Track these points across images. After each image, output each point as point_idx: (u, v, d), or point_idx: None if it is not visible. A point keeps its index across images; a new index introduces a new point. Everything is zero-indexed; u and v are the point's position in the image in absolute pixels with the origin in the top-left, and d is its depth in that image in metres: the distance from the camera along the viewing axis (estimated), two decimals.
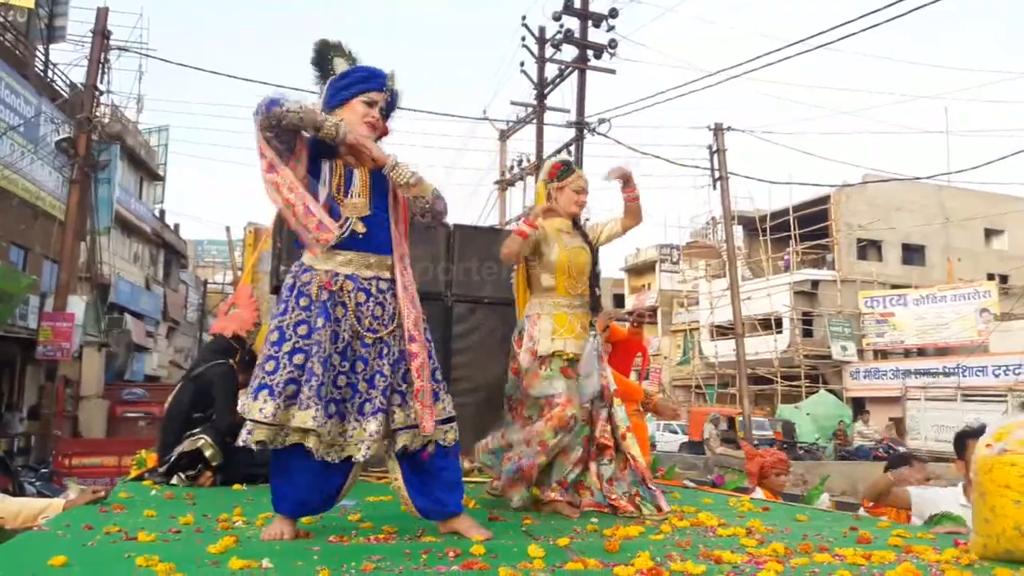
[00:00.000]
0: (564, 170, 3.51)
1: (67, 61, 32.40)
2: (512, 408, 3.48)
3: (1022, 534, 2.32)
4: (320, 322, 2.57)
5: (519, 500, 3.33)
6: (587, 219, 3.71)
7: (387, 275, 2.75)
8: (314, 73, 2.83)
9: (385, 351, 2.69)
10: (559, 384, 3.32)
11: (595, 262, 3.57)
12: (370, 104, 2.76)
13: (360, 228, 2.71)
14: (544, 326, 3.36)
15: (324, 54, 2.81)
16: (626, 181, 3.46)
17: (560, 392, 3.30)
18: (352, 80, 2.76)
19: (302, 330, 2.57)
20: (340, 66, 2.80)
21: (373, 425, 2.60)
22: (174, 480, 4.09)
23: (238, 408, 2.65)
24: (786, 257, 27.76)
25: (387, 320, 2.71)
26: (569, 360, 3.36)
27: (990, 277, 26.04)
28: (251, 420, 2.51)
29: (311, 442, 2.52)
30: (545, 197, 3.54)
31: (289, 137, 2.60)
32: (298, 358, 2.55)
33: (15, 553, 2.29)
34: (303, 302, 2.61)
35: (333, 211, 2.68)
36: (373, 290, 2.70)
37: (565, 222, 3.51)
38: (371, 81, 2.77)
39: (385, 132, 2.84)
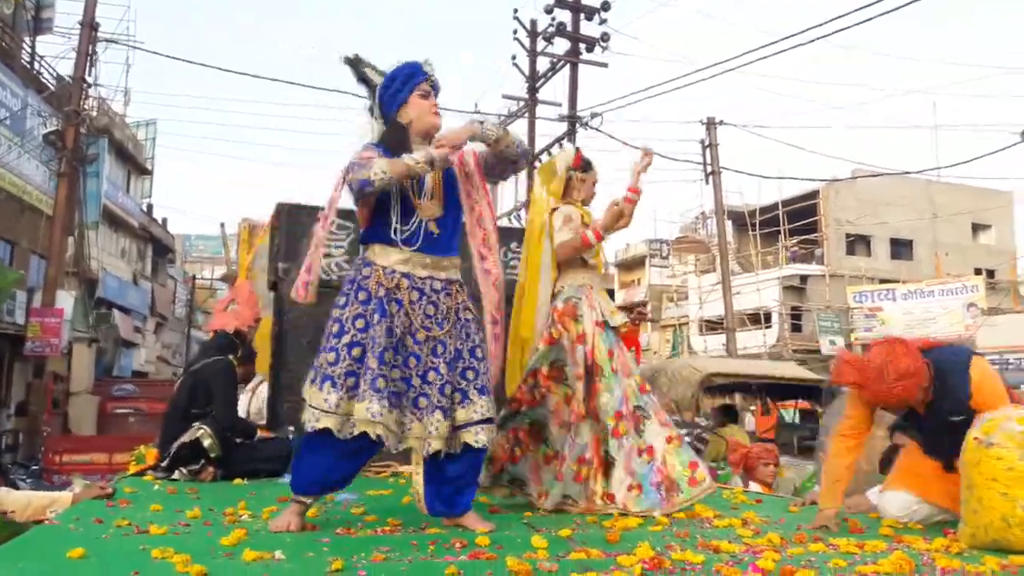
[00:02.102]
0: (586, 164, 3.63)
1: (54, 53, 32.25)
2: (539, 380, 3.34)
3: (1009, 525, 2.40)
4: (376, 318, 2.69)
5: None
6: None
7: (442, 276, 2.86)
8: (364, 90, 2.98)
9: (440, 350, 2.78)
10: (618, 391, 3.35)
11: None
12: (425, 95, 2.90)
13: (435, 230, 2.85)
14: (599, 299, 3.47)
15: (359, 69, 2.95)
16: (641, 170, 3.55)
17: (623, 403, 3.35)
18: (401, 82, 2.88)
19: (360, 324, 2.69)
20: (373, 75, 2.94)
21: (433, 424, 2.71)
22: (176, 475, 4.12)
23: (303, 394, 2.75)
24: (793, 250, 27.82)
25: (440, 319, 2.81)
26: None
27: (977, 272, 26.27)
28: (317, 408, 2.63)
29: (379, 430, 2.61)
30: (564, 181, 3.59)
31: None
32: (356, 351, 2.67)
33: (32, 545, 2.34)
34: (362, 296, 2.73)
35: (408, 212, 2.81)
36: (427, 289, 2.81)
37: (588, 212, 3.63)
38: (416, 76, 2.89)
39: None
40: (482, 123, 2.89)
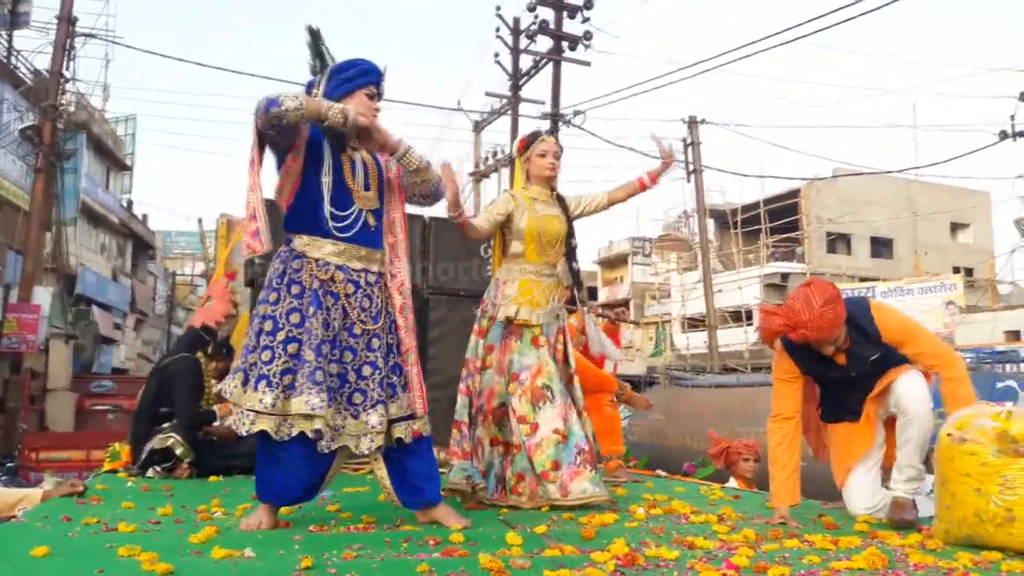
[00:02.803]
0: (529, 140, 3.53)
1: (31, 48, 31.84)
2: (467, 371, 3.39)
3: (982, 520, 2.41)
4: (312, 310, 2.60)
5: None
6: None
7: (375, 268, 2.79)
8: (311, 61, 2.82)
9: (376, 343, 2.72)
10: (531, 356, 3.33)
11: (571, 234, 3.55)
12: (372, 97, 2.81)
13: (372, 221, 2.78)
14: (508, 291, 3.39)
15: (318, 41, 2.81)
16: (661, 169, 3.54)
17: (532, 364, 3.31)
18: (356, 72, 2.78)
19: (295, 318, 2.60)
20: (327, 55, 2.82)
21: (374, 418, 2.65)
22: (150, 472, 4.08)
23: (223, 394, 2.65)
24: (774, 251, 27.92)
25: (375, 313, 2.74)
26: (537, 328, 3.37)
27: (956, 270, 26.53)
28: (251, 410, 2.53)
29: (319, 424, 2.52)
30: (521, 174, 3.55)
31: (290, 133, 2.61)
32: (292, 347, 2.57)
33: None
34: (295, 290, 2.63)
35: (344, 201, 2.72)
36: (362, 282, 2.74)
37: (542, 191, 3.51)
38: (372, 75, 2.81)
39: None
40: (411, 147, 2.80)
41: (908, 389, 2.92)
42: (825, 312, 2.82)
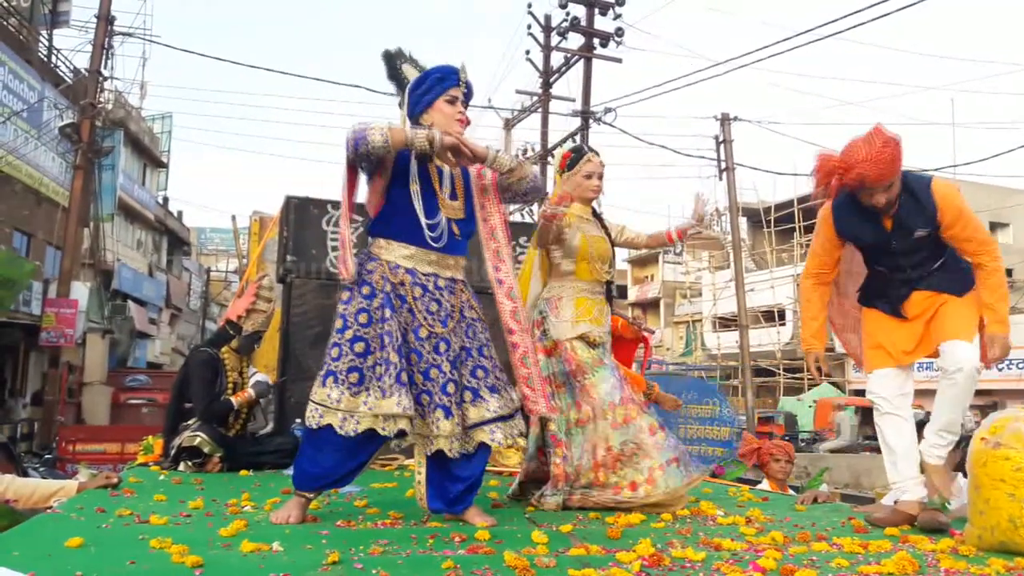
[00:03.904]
0: (574, 158, 3.47)
1: (71, 47, 32.50)
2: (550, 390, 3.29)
3: (1016, 526, 2.36)
4: (387, 312, 2.66)
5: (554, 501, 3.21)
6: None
7: (448, 274, 2.83)
8: (393, 86, 2.93)
9: (443, 347, 2.74)
10: (612, 380, 3.28)
11: (614, 255, 3.56)
12: (452, 101, 2.84)
13: (456, 230, 2.83)
14: (565, 311, 3.34)
15: (393, 65, 2.89)
16: (693, 225, 3.53)
17: (619, 389, 3.27)
18: (430, 84, 2.83)
19: (363, 319, 2.66)
20: (409, 72, 2.88)
21: (436, 421, 2.68)
22: (181, 467, 4.15)
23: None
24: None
25: (443, 317, 2.77)
26: (599, 345, 3.35)
27: None
28: (320, 404, 2.61)
29: (403, 424, 2.59)
30: (561, 188, 3.52)
31: (379, 158, 2.71)
32: (359, 346, 2.63)
33: (32, 534, 2.34)
34: (366, 291, 2.70)
35: (433, 211, 2.77)
36: (430, 286, 2.77)
37: (584, 209, 3.49)
38: (448, 80, 2.84)
39: (468, 122, 2.92)
40: (498, 151, 2.85)
41: (958, 349, 2.83)
42: (884, 150, 2.73)
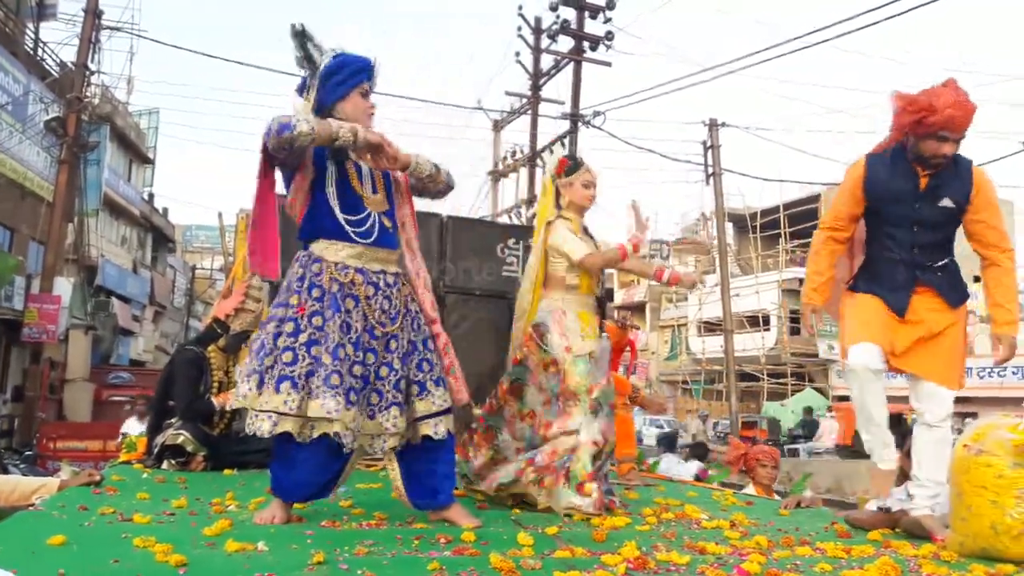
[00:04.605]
0: (572, 165, 3.47)
1: (58, 40, 32.11)
2: (499, 392, 3.38)
3: (997, 533, 2.38)
4: (330, 313, 2.62)
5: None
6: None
7: (393, 269, 2.81)
8: (303, 64, 2.80)
9: (394, 345, 2.73)
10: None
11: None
12: (365, 95, 2.81)
13: (387, 223, 2.80)
14: (572, 324, 3.31)
15: (305, 45, 2.77)
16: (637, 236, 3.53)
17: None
18: (348, 73, 2.77)
19: (317, 321, 2.62)
20: (316, 55, 2.77)
21: (389, 420, 2.66)
22: (164, 465, 4.12)
23: (237, 397, 2.67)
24: (794, 257, 27.75)
25: (394, 314, 2.76)
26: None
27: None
28: (273, 411, 2.54)
29: (337, 428, 2.54)
30: (553, 192, 3.52)
31: (300, 152, 2.64)
32: (315, 349, 2.59)
33: (13, 531, 2.32)
34: (315, 293, 2.65)
35: (355, 207, 2.74)
36: (381, 284, 2.75)
37: (579, 220, 3.48)
38: (364, 72, 2.81)
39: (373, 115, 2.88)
40: (418, 156, 2.84)
41: (947, 398, 2.82)
42: (968, 99, 2.74)
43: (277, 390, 2.55)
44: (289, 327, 2.61)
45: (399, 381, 2.71)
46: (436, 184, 2.94)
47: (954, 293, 2.94)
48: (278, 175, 2.78)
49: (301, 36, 2.77)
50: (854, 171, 3.01)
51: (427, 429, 2.76)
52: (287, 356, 2.57)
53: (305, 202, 2.76)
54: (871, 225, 3.05)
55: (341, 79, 2.76)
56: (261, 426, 2.54)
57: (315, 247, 2.74)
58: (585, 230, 3.51)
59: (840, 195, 3.08)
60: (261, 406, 2.55)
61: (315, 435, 2.56)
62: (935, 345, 2.87)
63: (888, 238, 2.97)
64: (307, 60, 2.78)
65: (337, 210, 2.71)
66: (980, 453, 2.48)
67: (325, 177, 2.73)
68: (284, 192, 2.82)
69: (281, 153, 2.60)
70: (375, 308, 2.71)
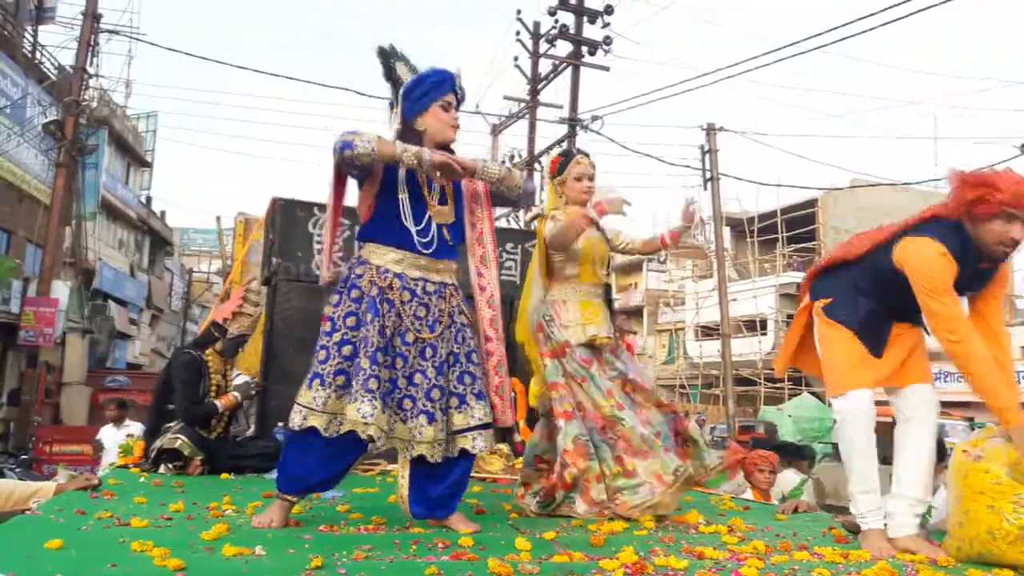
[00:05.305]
0: (563, 161, 3.48)
1: (56, 43, 32.08)
2: (559, 395, 3.29)
3: (994, 538, 2.38)
4: (369, 316, 2.65)
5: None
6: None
7: (436, 278, 2.82)
8: (387, 83, 2.91)
9: (429, 353, 2.75)
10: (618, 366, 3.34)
11: (610, 257, 3.58)
12: (447, 108, 2.84)
13: (447, 235, 2.84)
14: (572, 314, 3.33)
15: (389, 64, 2.88)
16: (684, 227, 3.50)
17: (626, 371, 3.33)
18: (427, 88, 2.83)
19: (351, 322, 2.66)
20: (402, 71, 2.88)
21: (417, 428, 2.68)
22: (162, 469, 4.12)
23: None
24: (795, 260, 27.78)
25: (431, 322, 2.77)
26: (604, 346, 3.34)
27: None
28: (305, 407, 2.61)
29: (372, 431, 2.57)
30: (554, 194, 3.52)
31: (367, 166, 2.71)
32: (346, 349, 2.64)
33: (11, 535, 2.32)
34: (354, 294, 2.70)
35: (420, 215, 2.78)
36: (419, 291, 2.77)
37: (580, 211, 3.45)
38: (444, 85, 2.85)
39: (459, 128, 2.94)
40: (486, 162, 2.88)
41: (932, 393, 2.78)
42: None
43: (309, 386, 2.63)
44: (327, 326, 2.69)
45: (431, 390, 2.72)
46: (513, 188, 2.93)
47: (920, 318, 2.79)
48: (351, 182, 2.85)
49: (385, 55, 2.88)
50: (948, 260, 2.60)
51: (465, 443, 2.77)
52: (321, 354, 2.66)
53: (371, 204, 2.81)
54: (885, 284, 2.78)
55: (420, 93, 2.83)
56: (293, 419, 2.63)
57: (364, 251, 2.80)
58: (596, 225, 3.46)
59: (953, 295, 2.61)
60: (297, 399, 2.64)
61: (342, 431, 2.60)
62: (913, 358, 2.83)
63: (894, 303, 2.79)
64: (391, 81, 2.88)
65: (406, 216, 2.76)
66: (978, 459, 2.48)
67: (396, 182, 2.77)
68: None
69: (350, 169, 2.72)
70: (409, 314, 2.74)
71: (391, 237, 2.76)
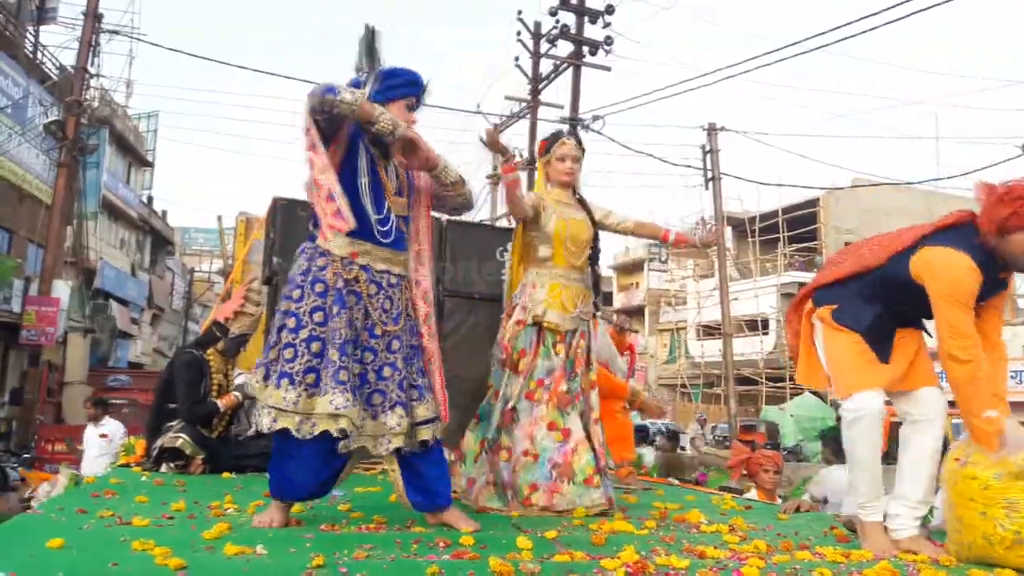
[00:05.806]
0: (551, 142, 3.48)
1: (57, 43, 32.16)
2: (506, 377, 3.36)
3: (991, 544, 2.36)
4: (336, 309, 2.62)
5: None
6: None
7: (397, 270, 2.82)
8: (364, 59, 2.85)
9: (396, 345, 2.74)
10: (555, 360, 3.31)
11: (596, 238, 3.51)
12: (411, 108, 2.85)
13: (403, 228, 2.84)
14: (538, 295, 3.33)
15: (372, 43, 2.85)
16: (689, 242, 3.57)
17: (555, 368, 3.30)
18: (401, 81, 2.83)
19: (318, 317, 2.61)
20: (379, 52, 2.86)
21: (393, 419, 2.67)
22: (163, 468, 4.12)
23: (246, 389, 2.69)
24: (793, 262, 27.75)
25: (396, 314, 2.77)
26: (560, 334, 3.33)
27: None
28: (275, 408, 2.54)
29: (343, 424, 2.53)
30: (544, 175, 3.52)
31: (336, 125, 2.65)
32: (315, 346, 2.58)
33: (12, 534, 2.33)
34: (319, 288, 2.64)
35: (380, 205, 2.75)
36: (384, 284, 2.76)
37: (563, 193, 3.47)
38: (416, 87, 2.86)
39: None
40: (447, 163, 2.88)
41: (940, 396, 2.76)
42: None
43: (278, 386, 2.56)
44: (291, 322, 2.61)
45: (402, 381, 2.72)
46: (458, 196, 2.96)
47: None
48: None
49: (374, 35, 2.86)
50: (974, 273, 2.55)
51: (425, 434, 2.76)
52: (288, 352, 2.58)
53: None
54: (895, 291, 2.74)
55: (394, 84, 2.83)
56: (262, 420, 2.56)
57: (321, 239, 2.72)
58: (582, 202, 3.50)
59: (968, 310, 2.56)
60: (265, 400, 2.57)
61: (316, 432, 2.55)
62: (919, 361, 2.81)
63: (901, 309, 2.77)
64: (370, 57, 2.85)
65: (367, 205, 2.71)
66: (964, 465, 2.47)
67: (357, 167, 2.73)
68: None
69: (319, 116, 2.59)
70: (376, 307, 2.72)
71: (361, 228, 2.69)
